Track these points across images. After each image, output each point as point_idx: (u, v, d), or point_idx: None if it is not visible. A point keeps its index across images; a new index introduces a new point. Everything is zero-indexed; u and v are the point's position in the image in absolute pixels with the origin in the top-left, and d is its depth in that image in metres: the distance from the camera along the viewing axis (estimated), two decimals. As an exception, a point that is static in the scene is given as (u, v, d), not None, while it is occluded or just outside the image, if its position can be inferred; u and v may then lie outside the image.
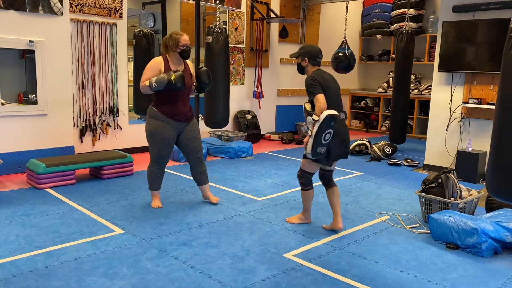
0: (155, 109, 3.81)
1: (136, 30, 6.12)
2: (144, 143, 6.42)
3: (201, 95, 6.40)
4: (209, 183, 4.19)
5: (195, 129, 3.96)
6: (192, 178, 4.18)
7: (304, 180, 3.55)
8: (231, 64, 7.30)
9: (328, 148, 3.32)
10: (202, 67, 4.00)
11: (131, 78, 6.39)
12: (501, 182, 2.27)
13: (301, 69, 3.51)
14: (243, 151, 6.31)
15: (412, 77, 8.10)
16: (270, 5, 7.79)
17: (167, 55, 3.79)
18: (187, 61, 3.91)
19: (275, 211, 3.99)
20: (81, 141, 5.72)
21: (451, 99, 5.55)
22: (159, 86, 3.59)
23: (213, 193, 4.50)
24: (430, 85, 7.76)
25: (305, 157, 3.44)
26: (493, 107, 5.10)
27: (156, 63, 3.74)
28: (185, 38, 3.73)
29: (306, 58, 3.45)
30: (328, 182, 3.60)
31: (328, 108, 3.22)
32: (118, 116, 6.05)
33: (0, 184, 4.63)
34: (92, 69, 5.71)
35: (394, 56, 8.06)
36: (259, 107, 7.91)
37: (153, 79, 3.60)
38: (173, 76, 3.57)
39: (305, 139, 3.27)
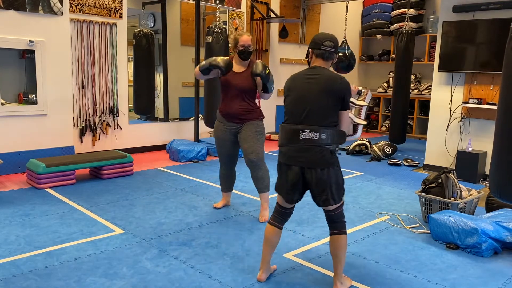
0: (217, 110, 3.82)
1: (136, 30, 6.12)
2: (144, 143, 6.45)
3: (201, 95, 6.42)
4: (263, 192, 3.76)
5: (248, 129, 3.66)
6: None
7: (275, 210, 2.71)
8: (231, 64, 7.28)
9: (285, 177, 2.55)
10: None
11: (131, 78, 6.39)
12: (503, 183, 2.27)
13: None
14: (243, 151, 6.30)
15: (412, 77, 8.10)
16: (270, 5, 7.79)
17: (234, 55, 3.74)
18: (258, 62, 3.60)
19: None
20: (81, 141, 5.72)
21: (451, 99, 5.55)
22: (204, 65, 3.58)
23: (213, 193, 4.50)
24: (430, 85, 7.76)
25: None
26: (493, 107, 5.10)
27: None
28: (244, 39, 3.59)
29: (310, 49, 2.59)
30: (328, 224, 2.62)
31: (286, 121, 2.55)
32: (118, 116, 6.05)
33: (0, 184, 4.63)
34: (92, 69, 5.71)
35: (394, 56, 8.06)
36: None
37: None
38: (219, 58, 3.58)
39: None
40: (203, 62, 3.61)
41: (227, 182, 4.01)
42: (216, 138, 3.83)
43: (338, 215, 2.56)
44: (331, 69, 2.65)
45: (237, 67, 3.67)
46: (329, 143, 2.43)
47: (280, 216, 2.68)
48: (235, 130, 3.72)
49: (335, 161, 2.49)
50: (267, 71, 3.50)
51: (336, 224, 2.56)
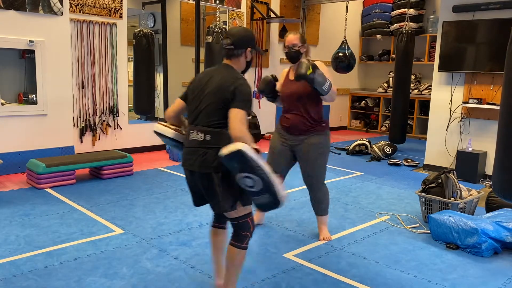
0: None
1: (136, 30, 6.12)
2: (144, 143, 6.45)
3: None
4: (320, 215, 3.43)
5: (309, 147, 3.24)
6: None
7: None
8: (231, 64, 7.28)
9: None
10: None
11: (131, 78, 6.39)
12: (507, 183, 2.26)
13: None
14: (243, 151, 6.29)
15: (412, 77, 8.10)
16: (270, 5, 7.79)
17: None
18: (301, 61, 3.16)
19: (275, 211, 3.99)
20: (81, 141, 5.72)
21: (451, 99, 5.55)
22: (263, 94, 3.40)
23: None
24: (430, 85, 7.76)
25: None
26: (493, 107, 5.10)
27: (282, 73, 3.45)
28: (288, 39, 3.24)
29: None
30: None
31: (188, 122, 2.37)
32: (118, 116, 6.05)
33: (0, 184, 4.63)
34: (92, 69, 5.71)
35: (394, 56, 8.06)
36: (259, 107, 7.91)
37: None
38: (261, 82, 3.32)
39: None
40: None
41: None
42: (269, 150, 3.49)
43: (238, 226, 2.33)
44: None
45: (291, 73, 3.31)
46: (214, 145, 2.19)
47: (215, 215, 2.54)
48: (293, 143, 3.31)
49: (221, 165, 2.16)
50: (308, 72, 2.99)
51: (234, 234, 2.35)
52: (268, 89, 3.36)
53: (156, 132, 2.44)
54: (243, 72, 2.42)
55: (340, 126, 9.72)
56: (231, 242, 2.35)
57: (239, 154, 2.02)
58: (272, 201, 2.13)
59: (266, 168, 2.06)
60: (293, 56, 3.24)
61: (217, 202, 2.24)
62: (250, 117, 2.31)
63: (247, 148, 2.03)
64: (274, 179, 2.08)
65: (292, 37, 3.25)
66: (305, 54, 3.30)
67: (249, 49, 2.34)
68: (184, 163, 2.32)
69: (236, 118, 2.14)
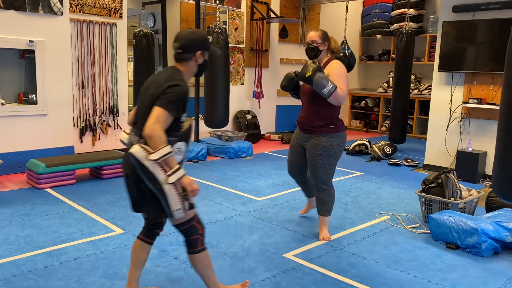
0: None
1: (136, 30, 6.13)
2: (144, 143, 6.45)
3: (201, 95, 6.41)
4: (321, 215, 3.42)
5: (314, 148, 3.25)
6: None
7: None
8: (231, 64, 7.30)
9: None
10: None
11: (131, 78, 6.39)
12: (507, 183, 2.26)
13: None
14: (243, 151, 6.31)
15: (412, 77, 8.10)
16: (270, 5, 7.79)
17: None
18: (334, 62, 3.28)
19: (275, 211, 3.99)
20: (81, 141, 5.72)
21: (451, 99, 5.55)
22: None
23: (214, 193, 4.49)
24: (430, 85, 7.76)
25: None
26: (493, 107, 5.10)
27: None
28: (308, 35, 3.25)
29: None
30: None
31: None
32: (118, 116, 6.04)
33: (0, 184, 4.63)
34: (92, 69, 5.70)
35: (394, 56, 8.06)
36: (259, 107, 7.91)
37: None
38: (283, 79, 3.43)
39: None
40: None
41: (303, 189, 3.70)
42: (290, 144, 3.57)
43: (185, 232, 2.25)
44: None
45: None
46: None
47: (145, 227, 2.45)
48: (303, 140, 3.36)
49: (149, 173, 2.05)
50: (307, 74, 3.04)
51: (186, 242, 2.27)
52: (290, 86, 3.40)
53: (121, 140, 2.41)
54: (198, 75, 2.35)
55: (340, 126, 9.71)
56: (187, 251, 2.28)
57: (132, 156, 2.05)
58: (166, 210, 2.11)
59: (161, 176, 2.04)
60: (310, 52, 3.27)
61: (153, 209, 2.19)
62: (179, 120, 2.18)
63: (139, 152, 2.03)
64: (169, 190, 2.05)
65: (312, 34, 3.27)
66: (327, 52, 3.32)
67: (199, 52, 2.25)
68: (122, 166, 2.28)
69: (153, 116, 2.05)
